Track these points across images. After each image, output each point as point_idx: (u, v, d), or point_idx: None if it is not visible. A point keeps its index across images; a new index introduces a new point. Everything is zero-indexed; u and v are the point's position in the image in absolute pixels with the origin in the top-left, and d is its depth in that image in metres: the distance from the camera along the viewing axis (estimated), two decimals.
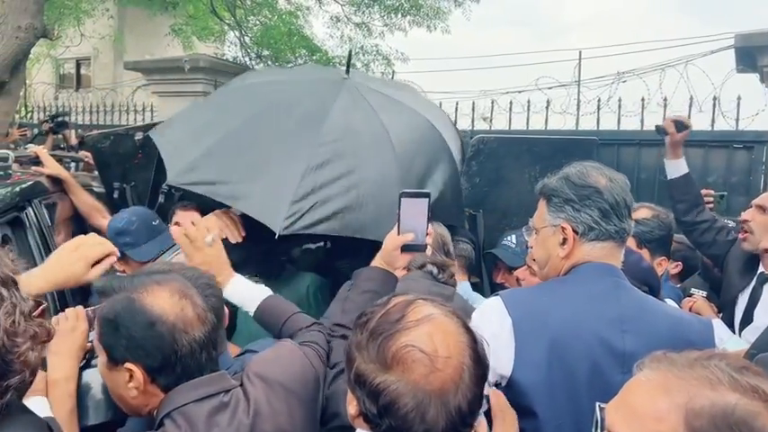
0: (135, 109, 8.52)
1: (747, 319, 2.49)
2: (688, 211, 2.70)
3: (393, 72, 9.67)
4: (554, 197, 1.55)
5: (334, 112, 2.29)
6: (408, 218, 1.67)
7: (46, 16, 6.56)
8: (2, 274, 1.08)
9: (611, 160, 4.54)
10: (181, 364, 1.26)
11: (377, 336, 1.06)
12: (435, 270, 2.05)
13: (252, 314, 1.78)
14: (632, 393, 0.93)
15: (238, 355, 1.66)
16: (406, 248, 1.69)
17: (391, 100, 2.52)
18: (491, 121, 6.05)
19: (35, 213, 2.57)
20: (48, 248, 2.53)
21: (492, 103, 6.04)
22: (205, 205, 2.76)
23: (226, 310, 1.49)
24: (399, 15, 10.10)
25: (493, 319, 1.44)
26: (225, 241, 2.03)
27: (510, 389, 1.41)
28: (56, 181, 2.89)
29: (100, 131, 3.70)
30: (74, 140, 5.36)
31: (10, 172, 2.67)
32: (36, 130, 5.80)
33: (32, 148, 3.14)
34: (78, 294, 2.29)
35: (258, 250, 2.24)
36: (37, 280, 1.51)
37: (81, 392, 1.47)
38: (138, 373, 1.25)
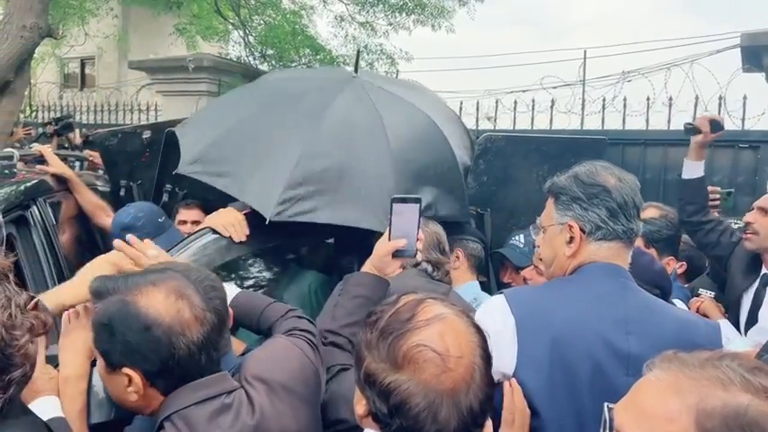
0: (139, 108, 8.54)
1: (752, 319, 2.48)
2: (695, 212, 2.68)
3: (397, 71, 9.65)
4: (562, 195, 1.53)
5: (335, 106, 2.34)
6: (399, 223, 1.67)
7: (50, 16, 6.57)
8: None
9: (616, 160, 4.52)
10: (179, 368, 1.23)
11: (387, 335, 1.05)
12: (430, 268, 2.05)
13: None
14: (642, 393, 0.92)
15: (243, 353, 1.65)
16: (396, 254, 1.69)
17: (394, 97, 2.53)
18: (495, 120, 6.05)
19: (40, 212, 2.57)
20: (52, 247, 2.53)
21: (496, 102, 6.04)
22: (208, 203, 2.78)
23: (230, 310, 1.48)
24: (404, 14, 10.08)
25: (496, 317, 1.43)
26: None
27: None
28: (60, 180, 2.89)
29: (108, 129, 3.71)
30: (78, 140, 5.38)
31: (15, 170, 2.67)
32: (40, 130, 5.80)
33: (37, 147, 3.14)
34: None
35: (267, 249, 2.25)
36: (66, 293, 1.52)
37: (91, 390, 1.46)
38: (137, 377, 1.23)
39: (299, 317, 1.62)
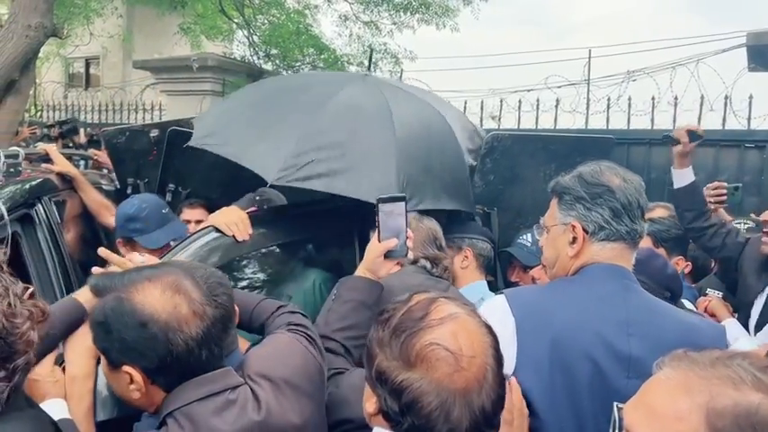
0: (144, 108, 8.56)
1: (764, 321, 2.46)
2: (696, 218, 2.66)
3: (401, 70, 9.65)
4: (565, 195, 1.53)
5: (343, 93, 2.41)
6: (387, 223, 1.66)
7: (55, 15, 6.58)
8: None
9: (621, 159, 4.51)
10: (179, 364, 1.20)
11: (400, 333, 1.05)
12: (429, 264, 2.05)
13: None
14: (652, 393, 0.91)
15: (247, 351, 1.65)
16: (387, 255, 1.69)
17: (404, 92, 2.58)
18: (500, 119, 6.04)
19: (45, 210, 2.58)
20: (57, 245, 2.54)
21: (501, 101, 6.02)
22: (212, 203, 2.78)
23: (236, 308, 1.47)
24: (408, 13, 10.08)
25: (496, 317, 1.41)
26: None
27: None
28: (65, 178, 2.89)
29: (116, 127, 3.72)
30: (83, 139, 5.39)
31: (20, 169, 2.68)
32: (45, 131, 5.82)
33: (42, 146, 3.15)
34: None
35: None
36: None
37: (97, 388, 1.46)
38: (137, 375, 1.21)
39: (292, 312, 1.61)
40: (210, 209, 2.66)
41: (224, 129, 2.43)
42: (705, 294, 2.73)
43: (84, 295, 1.48)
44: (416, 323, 1.05)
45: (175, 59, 8.42)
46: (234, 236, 2.08)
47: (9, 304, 1.05)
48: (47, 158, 2.90)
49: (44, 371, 1.37)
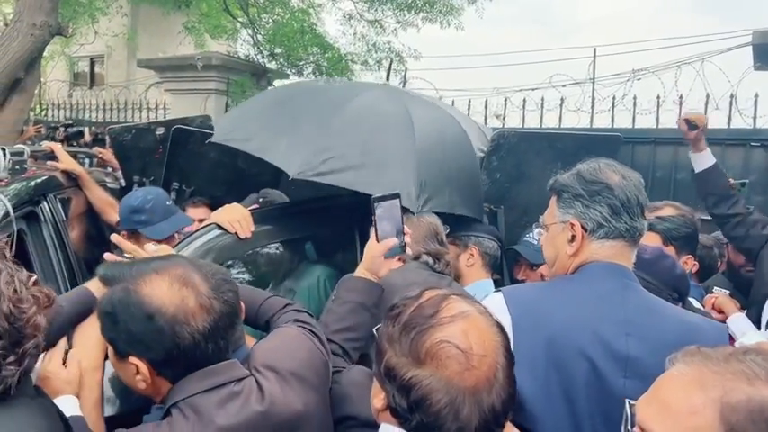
0: (148, 107, 8.57)
1: None
2: (718, 203, 2.63)
3: (405, 69, 9.63)
4: (564, 193, 1.52)
5: (364, 95, 2.52)
6: (384, 222, 1.67)
7: (60, 14, 6.60)
8: None
9: (626, 158, 4.49)
10: (185, 357, 1.21)
11: (410, 329, 1.04)
12: (431, 260, 2.04)
13: None
14: (665, 388, 0.91)
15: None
16: (386, 254, 1.69)
17: (422, 99, 2.68)
18: (504, 118, 6.02)
19: (50, 208, 2.59)
20: (62, 242, 2.55)
21: (505, 100, 6.01)
22: (215, 201, 2.79)
23: (242, 304, 1.47)
24: (412, 12, 10.06)
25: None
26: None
27: None
28: (70, 176, 2.91)
29: (122, 125, 3.74)
30: (88, 137, 5.40)
31: (26, 167, 2.69)
32: (50, 132, 5.84)
33: (47, 144, 3.16)
34: None
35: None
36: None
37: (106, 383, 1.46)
38: (144, 366, 1.22)
39: (299, 310, 1.61)
40: (214, 208, 2.67)
41: (247, 126, 2.51)
42: (711, 292, 2.71)
43: (94, 284, 1.50)
44: (427, 320, 1.05)
45: (180, 58, 8.44)
46: (236, 233, 2.08)
47: (15, 290, 1.08)
48: (52, 156, 2.91)
49: (56, 367, 1.38)
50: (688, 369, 0.89)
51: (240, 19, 10.17)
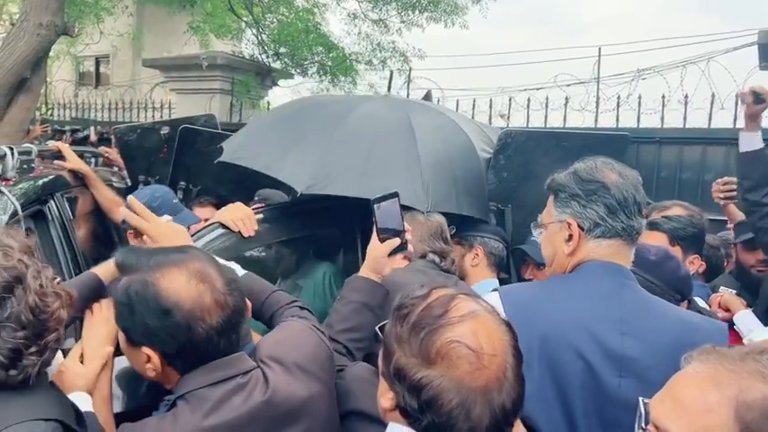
0: (153, 106, 8.60)
1: None
2: (753, 188, 2.50)
3: (410, 69, 9.64)
4: (561, 192, 1.52)
5: (363, 106, 2.56)
6: (385, 222, 1.68)
7: (66, 14, 6.63)
8: (22, 244, 1.18)
9: (630, 158, 4.48)
10: (197, 351, 1.23)
11: (419, 329, 1.04)
12: (437, 258, 2.05)
13: None
14: (680, 386, 0.91)
15: None
16: (390, 253, 1.70)
17: (422, 104, 2.70)
18: (508, 118, 6.02)
19: (57, 207, 2.60)
20: (69, 241, 2.56)
21: (509, 100, 6.01)
22: (222, 201, 2.80)
23: (248, 302, 1.48)
24: (416, 12, 10.06)
25: None
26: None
27: None
28: (77, 175, 2.92)
29: (127, 124, 3.75)
30: (93, 137, 5.42)
31: (33, 166, 2.70)
32: (56, 133, 5.86)
33: (54, 143, 3.18)
34: None
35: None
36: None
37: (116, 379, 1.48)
38: (155, 357, 1.24)
39: (302, 308, 1.62)
40: (220, 207, 2.69)
41: (253, 144, 2.61)
42: (718, 292, 2.70)
43: (104, 269, 1.51)
44: (436, 320, 1.04)
45: (185, 58, 8.46)
46: (240, 232, 2.10)
47: (41, 284, 1.13)
48: (59, 155, 2.92)
49: (72, 363, 1.40)
50: (703, 367, 0.89)
51: (245, 19, 10.19)
